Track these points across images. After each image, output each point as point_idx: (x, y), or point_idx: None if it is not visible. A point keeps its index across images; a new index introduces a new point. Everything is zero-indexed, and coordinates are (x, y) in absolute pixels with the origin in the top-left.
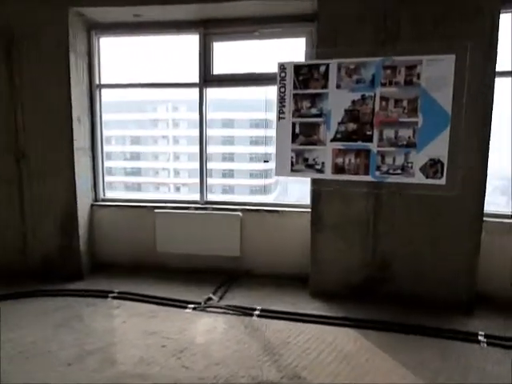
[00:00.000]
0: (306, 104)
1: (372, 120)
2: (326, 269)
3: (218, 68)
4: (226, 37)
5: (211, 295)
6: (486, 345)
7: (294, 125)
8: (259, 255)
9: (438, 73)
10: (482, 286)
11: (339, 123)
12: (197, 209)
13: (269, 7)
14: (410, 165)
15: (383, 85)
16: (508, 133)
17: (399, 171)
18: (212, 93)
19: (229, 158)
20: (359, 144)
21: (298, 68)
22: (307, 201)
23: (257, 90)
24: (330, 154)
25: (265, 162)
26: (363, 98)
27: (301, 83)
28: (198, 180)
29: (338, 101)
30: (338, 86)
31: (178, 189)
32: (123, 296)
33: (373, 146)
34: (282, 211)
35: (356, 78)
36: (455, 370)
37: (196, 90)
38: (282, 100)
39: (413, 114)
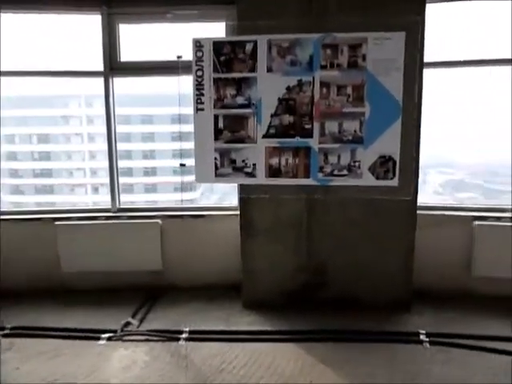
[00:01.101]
0: (230, 91)
1: (311, 111)
2: (260, 276)
3: (126, 54)
4: (133, 18)
5: (130, 319)
6: (428, 344)
7: (216, 118)
8: (185, 266)
9: (387, 54)
10: (416, 280)
11: (272, 115)
12: (108, 218)
13: None
14: (357, 164)
15: (323, 68)
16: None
17: (345, 172)
18: (125, 85)
19: (150, 155)
20: (297, 140)
21: (218, 46)
22: (236, 198)
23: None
24: (263, 153)
25: (181, 165)
26: (300, 83)
27: (223, 65)
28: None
29: (269, 87)
30: (269, 69)
31: (96, 189)
32: (18, 332)
33: (313, 143)
34: (208, 215)
35: (290, 59)
36: (403, 377)
37: (101, 80)
38: (199, 86)
39: (359, 103)
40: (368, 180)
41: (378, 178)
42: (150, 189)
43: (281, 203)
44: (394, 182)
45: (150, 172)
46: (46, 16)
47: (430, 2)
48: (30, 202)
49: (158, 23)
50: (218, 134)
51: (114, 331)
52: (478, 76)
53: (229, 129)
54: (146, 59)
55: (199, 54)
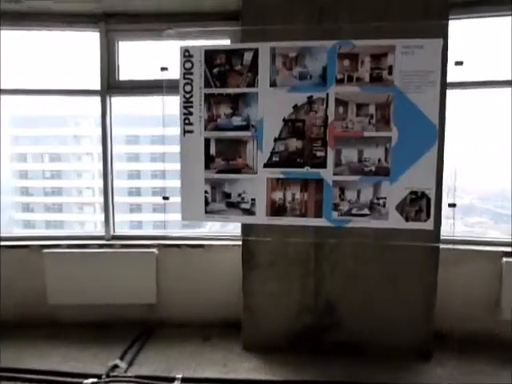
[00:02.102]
0: (224, 110)
1: (324, 135)
2: (262, 316)
3: (125, 73)
4: (134, 35)
5: (117, 361)
6: None
7: (207, 142)
8: (181, 300)
9: (419, 65)
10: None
11: (276, 140)
12: (101, 246)
13: (185, 1)
14: (381, 201)
15: (339, 82)
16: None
17: (366, 211)
18: (134, 105)
19: (160, 175)
20: (307, 171)
21: (210, 55)
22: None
23: None
24: (264, 186)
25: (164, 198)
26: (310, 101)
27: (216, 78)
28: (112, 207)
29: (272, 105)
30: (273, 84)
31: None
32: None
33: (327, 174)
34: (208, 245)
35: (299, 72)
36: None
37: (99, 99)
38: (187, 104)
39: (384, 126)
40: (395, 221)
41: (407, 220)
42: (159, 209)
43: (287, 235)
44: (429, 225)
45: (159, 192)
46: (44, 33)
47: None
48: (39, 219)
49: (159, 40)
50: (209, 161)
51: (99, 376)
52: (484, 97)
53: (222, 156)
54: (146, 78)
55: (188, 65)
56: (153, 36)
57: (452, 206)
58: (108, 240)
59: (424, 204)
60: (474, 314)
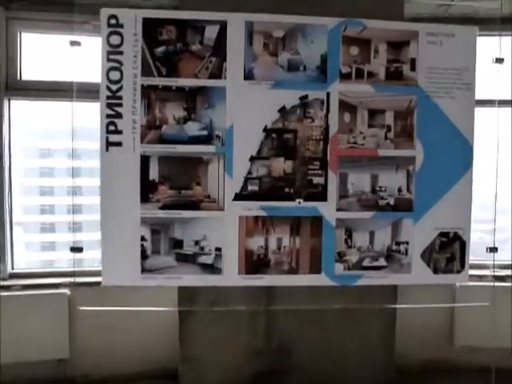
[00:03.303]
0: (174, 112)
1: (324, 152)
2: (204, 366)
3: (30, 72)
4: (41, 26)
5: None
6: None
7: (145, 160)
8: (102, 352)
9: (449, 60)
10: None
11: (253, 158)
12: None
13: None
14: (402, 247)
15: (345, 77)
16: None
17: (382, 261)
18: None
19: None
20: (298, 205)
21: (153, 27)
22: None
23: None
24: (236, 228)
25: (74, 250)
26: (304, 103)
27: (161, 63)
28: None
29: (248, 107)
30: (249, 75)
31: None
32: None
33: (327, 210)
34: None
35: (288, 59)
36: None
37: None
38: (113, 101)
39: (405, 142)
40: (420, 275)
41: (436, 271)
42: (76, 228)
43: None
44: (463, 278)
45: (77, 209)
46: None
47: None
48: None
49: (75, 35)
50: (148, 190)
51: None
52: None
53: (170, 182)
54: (57, 79)
55: (115, 39)
56: (67, 29)
57: (493, 250)
58: (4, 279)
59: (457, 249)
60: (430, 342)
